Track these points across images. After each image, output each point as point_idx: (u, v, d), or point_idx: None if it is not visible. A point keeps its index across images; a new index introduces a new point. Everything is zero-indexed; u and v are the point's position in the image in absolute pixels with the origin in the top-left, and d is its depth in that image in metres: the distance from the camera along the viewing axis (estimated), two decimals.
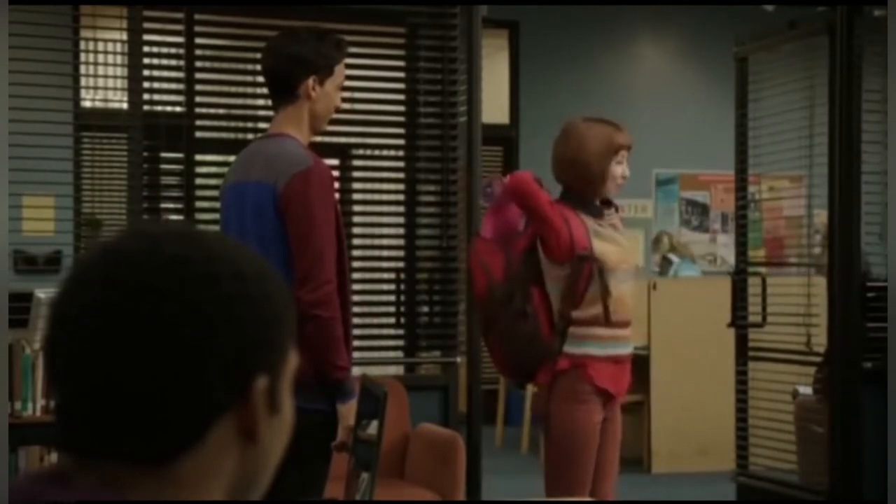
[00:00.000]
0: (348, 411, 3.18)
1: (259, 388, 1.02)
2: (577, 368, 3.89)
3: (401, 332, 5.86)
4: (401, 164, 6.01)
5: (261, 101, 5.81)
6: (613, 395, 3.96)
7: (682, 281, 9.21)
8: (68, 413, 1.00)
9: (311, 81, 3.33)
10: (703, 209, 10.60)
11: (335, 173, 3.82)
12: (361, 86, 5.78)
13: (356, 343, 4.71)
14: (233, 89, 5.85)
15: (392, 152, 6.27)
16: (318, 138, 3.49)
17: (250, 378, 1.01)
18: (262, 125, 5.60)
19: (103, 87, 6.25)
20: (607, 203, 4.04)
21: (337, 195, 4.73)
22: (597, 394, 3.91)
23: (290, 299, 1.07)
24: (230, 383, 1.00)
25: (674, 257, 9.13)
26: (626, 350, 4.00)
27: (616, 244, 3.97)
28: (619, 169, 3.98)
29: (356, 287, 6.01)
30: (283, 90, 3.37)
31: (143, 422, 0.98)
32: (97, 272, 1.00)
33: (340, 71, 3.40)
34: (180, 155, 5.57)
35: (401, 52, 5.99)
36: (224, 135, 6.09)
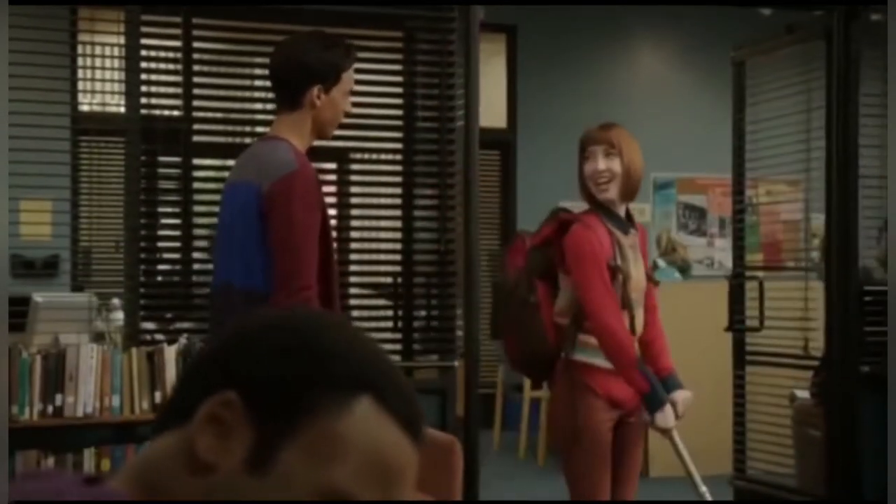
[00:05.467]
0: None
1: (225, 399, 1.01)
2: (582, 376, 3.85)
3: (398, 335, 5.86)
4: (398, 168, 6.01)
5: (258, 106, 5.81)
6: (620, 402, 3.92)
7: (681, 284, 9.21)
8: None
9: (315, 90, 3.33)
10: (700, 213, 10.60)
11: (333, 177, 3.84)
12: (359, 90, 5.77)
13: None
14: (230, 93, 5.84)
15: (390, 156, 6.26)
16: (315, 142, 3.49)
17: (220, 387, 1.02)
18: (259, 129, 5.60)
19: (101, 91, 6.25)
20: (630, 220, 3.99)
21: (334, 199, 4.69)
22: (600, 397, 3.87)
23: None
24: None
25: (661, 262, 9.01)
26: None
27: (636, 268, 3.92)
28: (588, 166, 3.93)
29: (353, 291, 6.01)
30: (288, 96, 3.37)
31: None
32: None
33: (348, 77, 3.39)
34: (178, 159, 5.57)
35: (398, 57, 6.00)
36: (222, 139, 6.07)
